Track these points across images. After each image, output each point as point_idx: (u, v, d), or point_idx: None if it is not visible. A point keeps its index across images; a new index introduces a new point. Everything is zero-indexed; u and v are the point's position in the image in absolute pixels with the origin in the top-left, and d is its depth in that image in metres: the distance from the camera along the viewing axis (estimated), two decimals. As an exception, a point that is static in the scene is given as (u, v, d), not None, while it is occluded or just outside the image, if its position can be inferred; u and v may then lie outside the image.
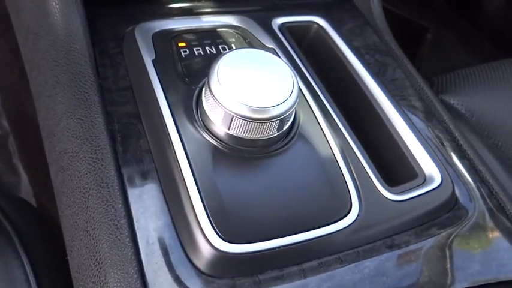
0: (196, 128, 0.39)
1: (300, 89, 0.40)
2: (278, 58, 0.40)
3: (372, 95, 0.49)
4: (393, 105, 0.48)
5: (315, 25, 0.55)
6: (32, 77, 0.44)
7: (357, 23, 0.58)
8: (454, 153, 0.48)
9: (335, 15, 0.57)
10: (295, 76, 0.39)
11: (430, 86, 0.61)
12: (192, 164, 0.37)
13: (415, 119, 0.49)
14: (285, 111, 0.37)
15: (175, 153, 0.38)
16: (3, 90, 0.75)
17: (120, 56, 0.45)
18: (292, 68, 0.39)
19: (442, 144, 0.48)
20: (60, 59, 0.41)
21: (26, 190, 0.72)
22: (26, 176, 0.73)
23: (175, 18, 0.50)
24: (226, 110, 0.37)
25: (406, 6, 1.21)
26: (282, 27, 0.53)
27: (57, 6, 0.41)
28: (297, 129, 0.41)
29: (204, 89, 0.39)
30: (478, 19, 1.24)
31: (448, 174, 0.43)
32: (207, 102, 0.38)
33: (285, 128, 0.39)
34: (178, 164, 0.37)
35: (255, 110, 0.36)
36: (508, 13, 1.19)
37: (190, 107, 0.40)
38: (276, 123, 0.38)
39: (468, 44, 1.22)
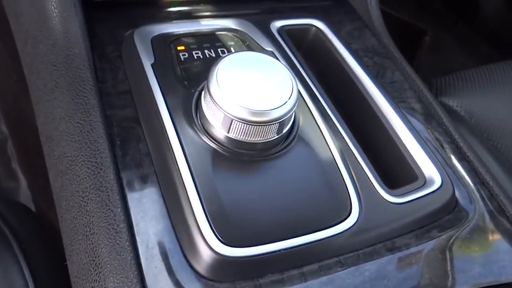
0: (195, 132, 0.39)
1: (299, 91, 0.40)
2: (277, 61, 0.40)
3: (371, 98, 0.49)
4: (392, 107, 0.48)
5: (314, 28, 0.55)
6: (31, 81, 0.44)
7: (356, 25, 0.59)
8: (454, 155, 0.48)
9: (333, 18, 0.57)
10: (295, 79, 0.39)
11: (429, 88, 0.61)
12: (191, 167, 0.37)
13: (414, 121, 0.49)
14: (285, 114, 0.37)
15: (174, 156, 0.38)
16: (2, 94, 0.75)
17: (119, 60, 0.45)
18: (291, 71, 0.39)
19: (442, 146, 0.48)
20: (59, 63, 0.41)
21: (25, 195, 0.72)
22: (25, 180, 0.73)
23: (174, 22, 0.50)
24: (226, 113, 0.37)
25: (404, 9, 1.21)
26: (280, 30, 0.53)
27: (55, 10, 0.41)
28: (296, 132, 0.41)
29: (203, 93, 0.39)
30: (475, 21, 1.24)
31: (448, 176, 0.43)
32: (206, 105, 0.38)
33: (284, 131, 0.39)
34: (178, 167, 0.37)
35: (255, 113, 0.36)
36: (505, 15, 1.19)
37: (189, 111, 0.40)
38: (275, 126, 0.37)
39: (466, 46, 1.22)
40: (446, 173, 0.43)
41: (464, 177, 0.46)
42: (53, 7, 0.41)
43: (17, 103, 0.69)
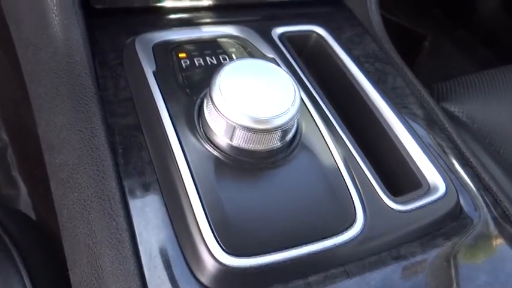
0: (198, 139, 0.39)
1: (301, 98, 0.40)
2: (279, 68, 0.40)
3: (373, 104, 0.49)
4: (394, 113, 0.48)
5: (315, 34, 0.55)
6: (32, 88, 0.44)
7: (356, 31, 0.58)
8: (457, 161, 0.47)
9: (334, 24, 0.57)
10: (297, 86, 0.39)
11: (430, 93, 0.61)
12: (194, 175, 0.37)
13: (416, 127, 0.49)
14: (288, 122, 0.37)
15: (177, 164, 0.37)
16: (2, 101, 0.74)
17: (120, 68, 0.44)
18: (293, 78, 0.39)
19: (445, 152, 0.48)
20: (60, 71, 0.41)
21: (25, 202, 0.72)
22: (25, 187, 0.73)
23: (175, 29, 0.50)
24: (229, 121, 0.36)
25: (403, 14, 1.21)
26: (281, 36, 0.53)
27: (57, 18, 0.41)
28: (299, 140, 0.41)
29: (205, 100, 0.39)
30: (474, 26, 1.25)
31: (452, 183, 0.43)
32: (208, 113, 0.38)
33: (287, 139, 0.39)
34: (181, 175, 0.37)
35: (258, 120, 0.36)
36: (504, 20, 1.20)
37: (191, 118, 0.40)
38: (278, 134, 0.37)
39: (465, 51, 1.23)
40: (450, 180, 0.43)
41: (468, 184, 0.45)
42: (54, 15, 0.41)
43: (17, 110, 0.69)
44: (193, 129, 0.39)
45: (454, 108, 0.61)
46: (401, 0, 1.26)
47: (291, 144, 0.40)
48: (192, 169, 0.37)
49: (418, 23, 1.21)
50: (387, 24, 0.63)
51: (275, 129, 0.36)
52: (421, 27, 1.17)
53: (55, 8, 0.41)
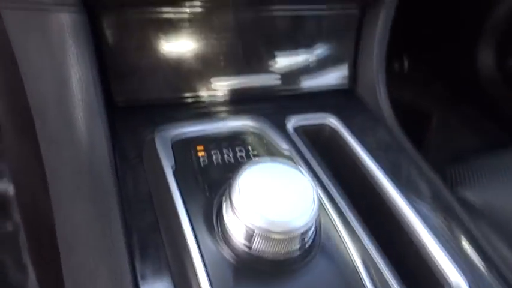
0: (216, 242, 0.39)
1: (320, 200, 0.40)
2: (298, 170, 0.40)
3: (388, 197, 0.49)
4: (410, 207, 0.48)
5: (328, 125, 0.57)
6: (52, 184, 0.44)
7: (368, 121, 0.60)
8: (477, 257, 0.46)
9: (346, 115, 0.58)
10: (316, 189, 0.39)
11: (444, 179, 0.61)
12: (211, 279, 0.36)
13: (433, 220, 0.49)
14: (307, 227, 0.37)
15: (194, 268, 0.37)
16: (20, 187, 0.75)
17: (140, 166, 0.45)
18: (311, 179, 0.40)
19: (464, 247, 0.47)
20: (82, 170, 0.42)
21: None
22: (34, 271, 0.71)
23: (194, 123, 0.51)
24: (248, 225, 0.36)
25: (407, 91, 1.25)
26: (296, 129, 0.54)
27: (83, 120, 0.43)
28: (318, 243, 0.40)
29: (224, 203, 0.39)
30: (477, 101, 1.27)
31: (475, 282, 0.42)
32: (227, 216, 0.38)
33: (306, 243, 0.39)
34: (198, 278, 0.36)
35: (277, 226, 0.36)
36: (504, 92, 1.22)
37: (210, 220, 0.40)
38: (297, 238, 0.37)
39: (471, 126, 1.24)
40: (473, 281, 0.42)
41: (492, 283, 0.44)
42: (79, 116, 0.43)
43: (34, 198, 0.69)
44: (211, 231, 0.39)
45: (469, 196, 0.60)
46: (405, 76, 1.30)
47: (311, 248, 0.40)
48: (210, 272, 0.37)
49: (422, 99, 1.24)
50: (394, 102, 0.65)
51: (294, 234, 0.36)
52: (426, 103, 1.19)
53: (81, 111, 0.43)
